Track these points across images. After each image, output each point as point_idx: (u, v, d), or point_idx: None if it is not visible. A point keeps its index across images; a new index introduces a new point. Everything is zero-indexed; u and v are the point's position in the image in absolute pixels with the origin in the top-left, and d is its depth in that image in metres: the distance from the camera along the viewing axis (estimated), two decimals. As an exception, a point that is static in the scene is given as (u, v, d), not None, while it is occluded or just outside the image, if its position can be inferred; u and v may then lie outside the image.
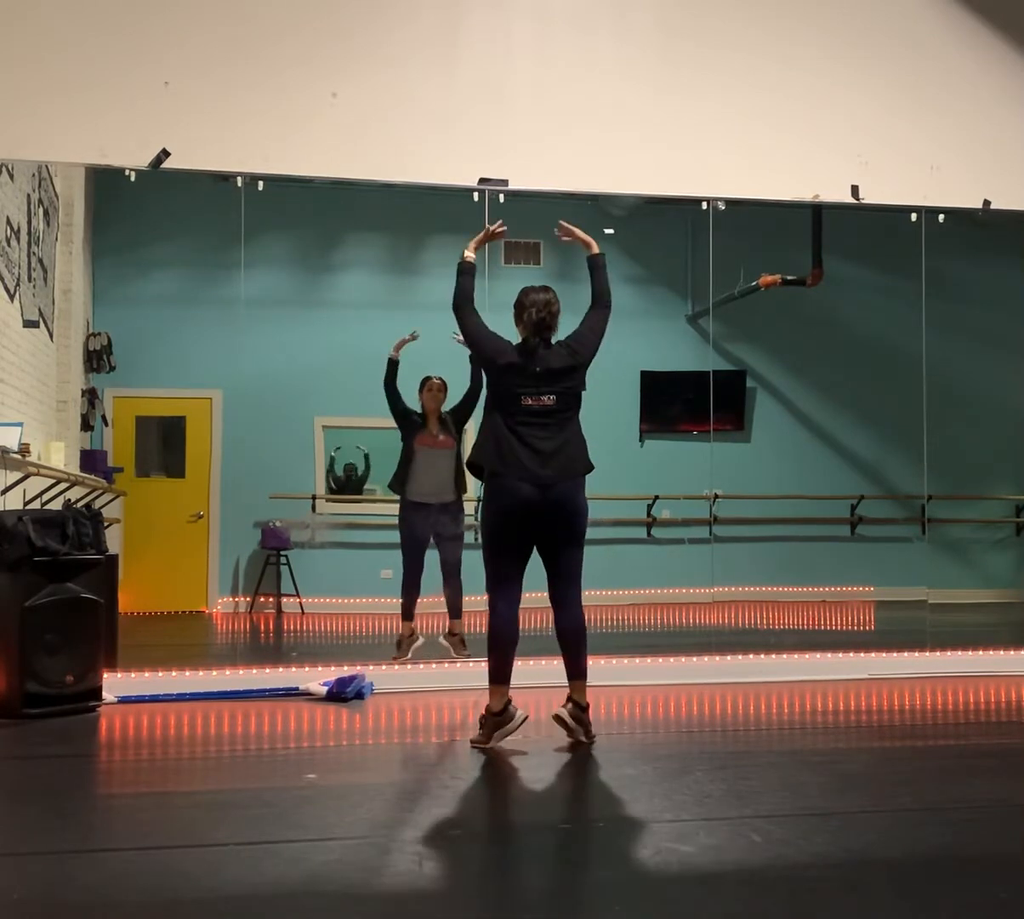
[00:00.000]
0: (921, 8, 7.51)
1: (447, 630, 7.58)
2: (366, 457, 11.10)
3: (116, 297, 10.50)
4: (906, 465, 10.14)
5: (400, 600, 7.62)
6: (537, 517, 4.98)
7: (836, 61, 7.38)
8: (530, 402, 5.03)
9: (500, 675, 4.99)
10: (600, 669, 6.68)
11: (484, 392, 5.42)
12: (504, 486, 4.99)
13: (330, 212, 10.39)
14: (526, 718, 4.98)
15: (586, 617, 5.14)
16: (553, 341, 5.19)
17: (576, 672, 5.08)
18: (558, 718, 5.02)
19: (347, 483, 11.11)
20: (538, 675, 5.98)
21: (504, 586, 5.05)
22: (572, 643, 5.10)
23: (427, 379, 7.91)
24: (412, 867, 3.37)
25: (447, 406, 7.81)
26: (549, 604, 5.14)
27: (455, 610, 7.58)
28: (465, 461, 5.27)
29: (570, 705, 5.04)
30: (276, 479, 10.25)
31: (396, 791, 4.33)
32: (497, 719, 4.95)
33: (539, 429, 5.02)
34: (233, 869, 3.36)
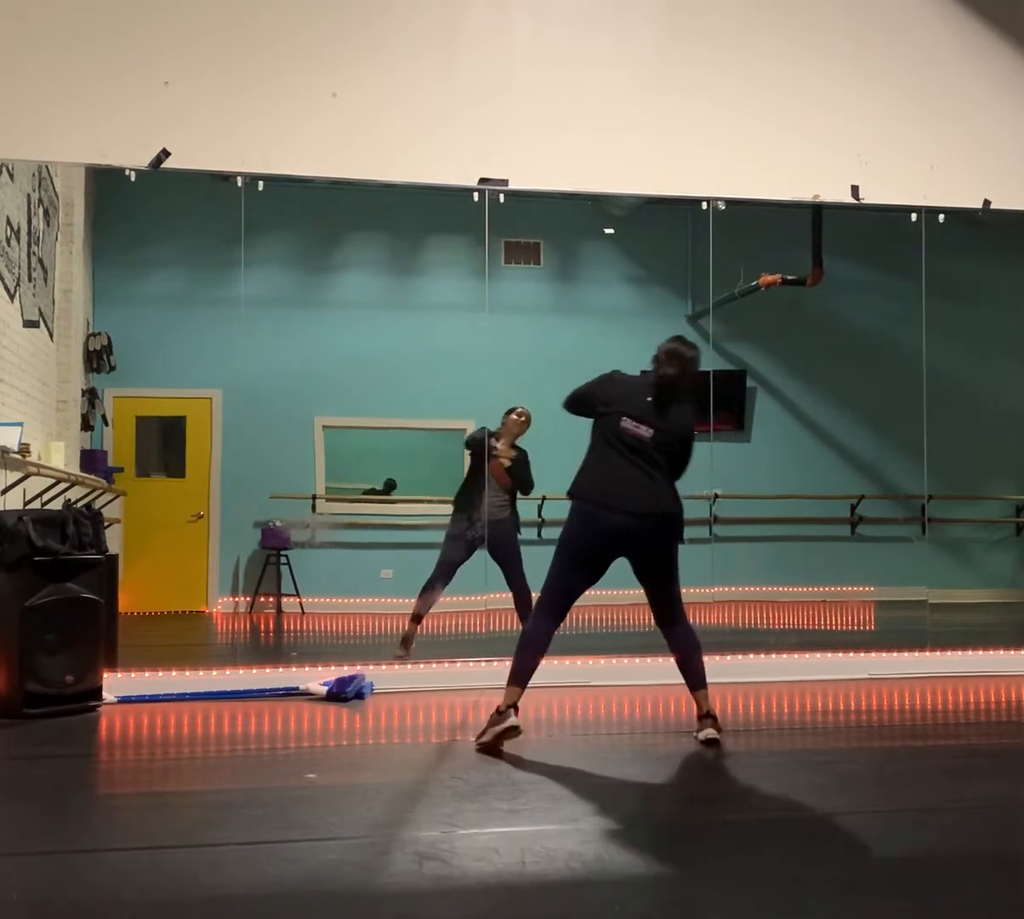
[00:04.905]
0: (921, 8, 7.51)
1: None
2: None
3: (116, 297, 10.51)
4: (906, 465, 10.14)
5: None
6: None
7: (836, 61, 7.38)
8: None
9: (517, 677, 4.96)
10: (601, 669, 6.70)
11: None
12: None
13: (330, 212, 10.39)
14: (513, 729, 4.87)
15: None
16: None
17: (700, 683, 5.17)
18: (710, 740, 5.03)
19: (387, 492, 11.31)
20: (542, 675, 5.99)
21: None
22: (694, 660, 5.19)
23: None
24: (412, 867, 3.37)
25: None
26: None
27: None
28: None
29: (708, 721, 5.09)
30: (276, 479, 10.25)
31: (396, 791, 4.33)
32: (496, 717, 4.92)
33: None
34: (233, 869, 3.36)
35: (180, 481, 10.80)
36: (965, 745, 5.32)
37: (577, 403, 5.32)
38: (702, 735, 5.06)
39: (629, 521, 4.97)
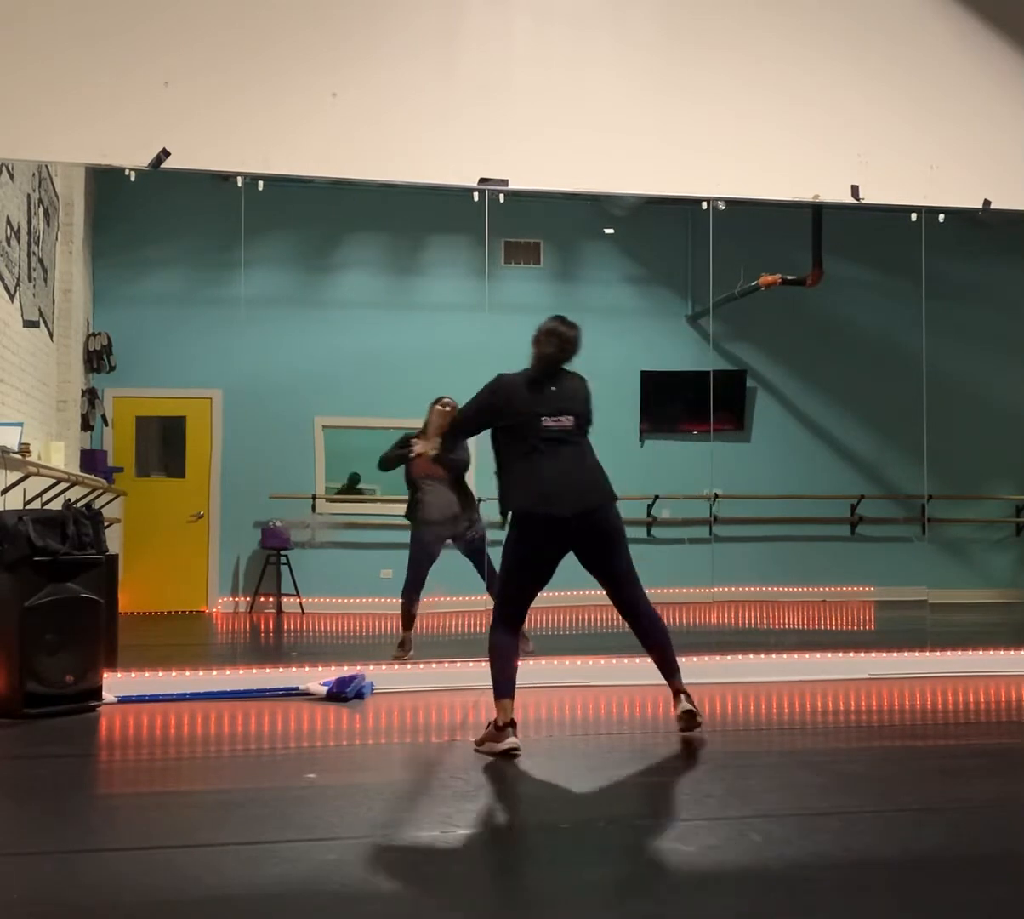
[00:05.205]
0: (921, 8, 7.51)
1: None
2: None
3: (116, 297, 10.51)
4: (906, 465, 10.13)
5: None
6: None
7: (836, 61, 7.38)
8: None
9: (503, 689, 4.90)
10: (600, 669, 6.70)
11: None
12: None
13: (330, 212, 10.39)
14: (510, 751, 4.74)
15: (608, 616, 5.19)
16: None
17: (673, 670, 5.14)
18: (688, 713, 5.05)
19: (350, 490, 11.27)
20: (542, 675, 5.99)
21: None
22: (665, 646, 5.16)
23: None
24: (412, 867, 3.37)
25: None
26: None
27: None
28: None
29: (683, 695, 5.08)
30: (276, 479, 10.25)
31: (396, 791, 4.33)
32: (495, 733, 4.84)
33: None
34: (233, 869, 3.36)
35: (180, 481, 10.79)
36: (965, 745, 5.32)
37: (475, 422, 5.26)
38: (679, 709, 5.08)
39: (573, 523, 4.95)
